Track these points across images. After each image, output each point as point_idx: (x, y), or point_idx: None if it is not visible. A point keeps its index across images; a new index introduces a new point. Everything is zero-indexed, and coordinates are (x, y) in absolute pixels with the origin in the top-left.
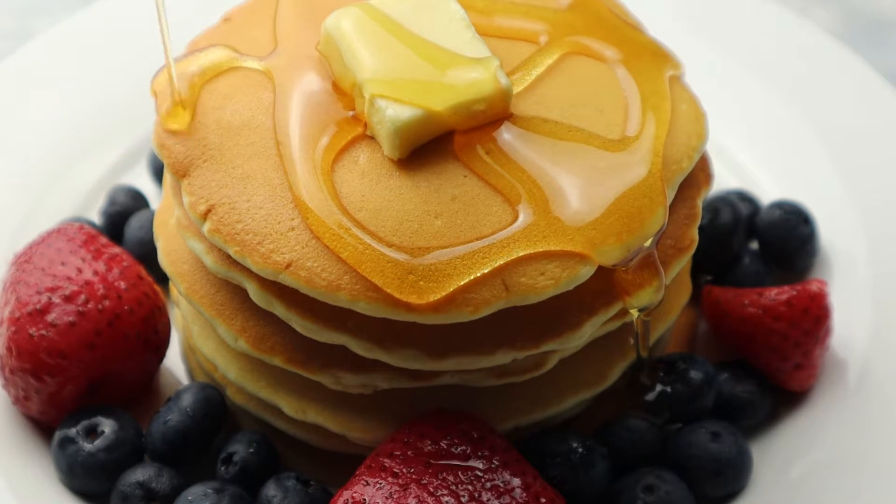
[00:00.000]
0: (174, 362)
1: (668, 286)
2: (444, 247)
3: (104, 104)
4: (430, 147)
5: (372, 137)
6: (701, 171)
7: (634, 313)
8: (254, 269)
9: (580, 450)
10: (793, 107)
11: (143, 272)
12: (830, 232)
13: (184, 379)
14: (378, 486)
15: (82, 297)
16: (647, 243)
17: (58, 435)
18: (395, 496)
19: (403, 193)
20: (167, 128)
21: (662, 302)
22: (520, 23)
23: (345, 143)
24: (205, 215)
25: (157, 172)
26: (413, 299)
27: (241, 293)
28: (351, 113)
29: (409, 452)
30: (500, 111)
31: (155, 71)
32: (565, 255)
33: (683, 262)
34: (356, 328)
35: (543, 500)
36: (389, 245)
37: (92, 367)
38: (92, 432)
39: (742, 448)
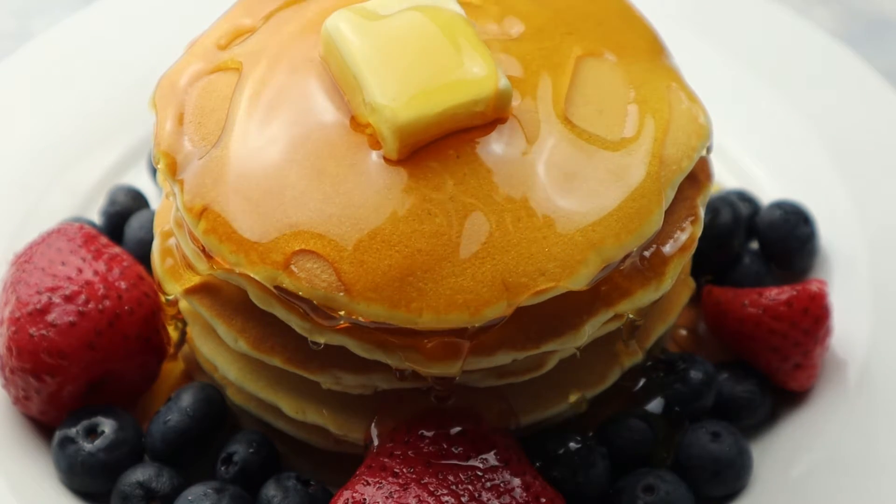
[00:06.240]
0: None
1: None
2: (444, 247)
3: (104, 104)
4: (430, 147)
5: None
6: (701, 171)
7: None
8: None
9: (580, 450)
10: (793, 106)
11: (144, 272)
12: (830, 232)
13: None
14: (378, 485)
15: (82, 297)
16: (633, 251)
17: (58, 435)
18: (395, 496)
19: (403, 193)
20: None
21: (663, 301)
22: (518, 21)
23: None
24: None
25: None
26: (413, 301)
27: (241, 294)
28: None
29: (409, 452)
30: (500, 112)
31: (154, 72)
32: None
33: (683, 262)
34: (356, 329)
35: (543, 500)
36: (389, 246)
37: (92, 367)
38: (92, 432)
39: (742, 448)
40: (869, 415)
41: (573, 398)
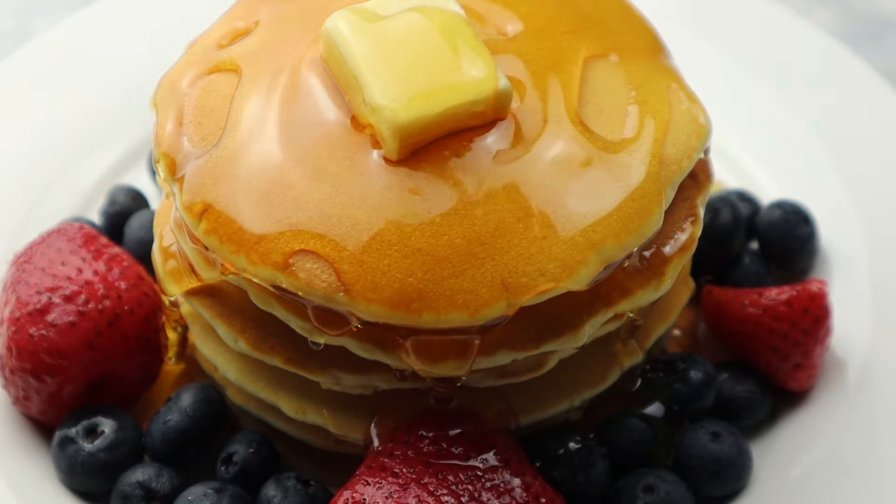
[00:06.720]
0: None
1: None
2: (444, 247)
3: (104, 104)
4: (430, 147)
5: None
6: (701, 171)
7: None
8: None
9: (580, 450)
10: (793, 107)
11: (144, 272)
12: (830, 232)
13: None
14: (378, 485)
15: (82, 297)
16: (633, 251)
17: (58, 435)
18: (395, 496)
19: (403, 193)
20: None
21: (663, 301)
22: (517, 21)
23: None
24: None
25: None
26: (412, 301)
27: (241, 294)
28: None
29: (409, 452)
30: (499, 112)
31: (154, 72)
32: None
33: (683, 262)
34: (356, 329)
35: (543, 500)
36: (388, 246)
37: (92, 367)
38: (92, 432)
39: (742, 448)
40: (869, 415)
41: (571, 406)
